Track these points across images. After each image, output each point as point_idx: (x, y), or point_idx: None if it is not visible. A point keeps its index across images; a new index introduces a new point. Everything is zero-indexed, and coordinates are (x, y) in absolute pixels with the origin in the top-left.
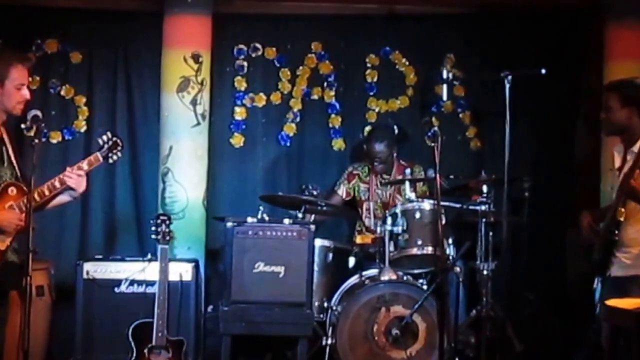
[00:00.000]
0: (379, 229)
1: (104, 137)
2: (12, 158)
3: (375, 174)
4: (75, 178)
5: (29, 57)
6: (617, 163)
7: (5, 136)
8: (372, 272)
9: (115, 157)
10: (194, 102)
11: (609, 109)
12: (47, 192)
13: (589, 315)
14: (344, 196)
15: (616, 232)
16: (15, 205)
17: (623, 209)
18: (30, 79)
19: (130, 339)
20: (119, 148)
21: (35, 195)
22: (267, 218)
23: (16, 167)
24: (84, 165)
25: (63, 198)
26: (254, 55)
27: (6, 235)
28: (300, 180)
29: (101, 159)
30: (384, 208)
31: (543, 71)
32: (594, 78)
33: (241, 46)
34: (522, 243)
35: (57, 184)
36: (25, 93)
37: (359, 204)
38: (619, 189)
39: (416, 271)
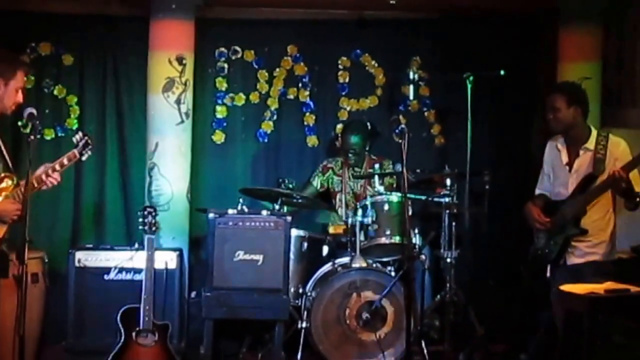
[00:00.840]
0: (350, 220)
1: (77, 136)
2: (4, 152)
3: (347, 166)
4: (57, 177)
5: (30, 66)
6: (564, 158)
7: None
8: (344, 260)
9: (87, 155)
10: (178, 102)
11: (556, 109)
12: (35, 184)
13: (544, 300)
14: (318, 187)
15: (578, 223)
16: (11, 195)
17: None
18: (24, 84)
19: (119, 323)
20: (90, 146)
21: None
22: (246, 210)
23: (8, 160)
24: (65, 161)
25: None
26: (233, 57)
27: (3, 225)
28: (277, 174)
29: (77, 155)
30: (355, 199)
31: (502, 72)
32: (548, 78)
33: (222, 49)
34: (483, 233)
35: (44, 177)
36: (20, 97)
37: (333, 195)
38: (600, 182)
39: (385, 259)
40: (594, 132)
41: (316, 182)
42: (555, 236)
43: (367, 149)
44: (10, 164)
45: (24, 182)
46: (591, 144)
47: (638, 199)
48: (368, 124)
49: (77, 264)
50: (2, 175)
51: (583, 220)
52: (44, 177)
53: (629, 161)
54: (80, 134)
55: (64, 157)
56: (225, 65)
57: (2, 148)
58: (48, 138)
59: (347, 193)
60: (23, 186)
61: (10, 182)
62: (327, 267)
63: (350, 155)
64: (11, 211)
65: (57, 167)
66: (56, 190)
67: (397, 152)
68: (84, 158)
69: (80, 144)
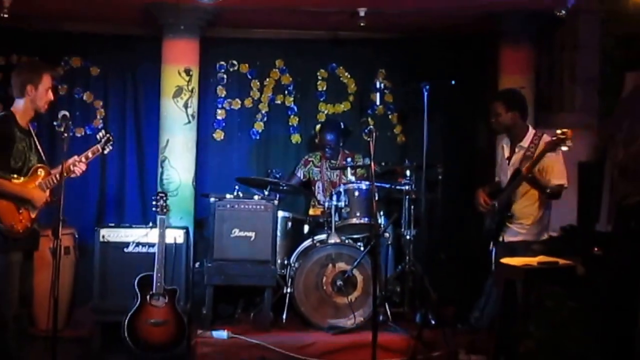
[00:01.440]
0: (326, 204)
1: (100, 134)
2: (38, 146)
3: (325, 159)
4: (82, 167)
5: (56, 69)
6: (506, 153)
7: (31, 130)
8: (322, 236)
9: (108, 149)
10: (185, 106)
11: (497, 114)
12: (65, 174)
13: (486, 270)
14: (301, 177)
15: (510, 208)
16: (43, 183)
17: (516, 191)
18: (53, 84)
19: (136, 287)
20: (111, 142)
21: (58, 176)
22: (241, 195)
23: (41, 153)
24: (89, 154)
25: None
26: (231, 69)
27: (35, 209)
28: (267, 166)
29: (100, 149)
30: (331, 186)
31: (452, 82)
32: (491, 87)
33: (222, 63)
34: (437, 214)
35: (72, 167)
36: (51, 95)
37: (312, 183)
38: (516, 176)
39: (355, 236)
40: (531, 132)
41: (300, 173)
42: (494, 218)
43: (341, 144)
44: (43, 157)
45: (54, 172)
46: (525, 142)
47: (548, 190)
48: (342, 124)
49: (101, 239)
50: (37, 166)
51: (515, 206)
52: (72, 167)
53: (532, 160)
54: (102, 132)
55: (89, 150)
56: (225, 76)
57: (38, 144)
58: (79, 135)
59: (324, 181)
60: (54, 175)
61: (43, 172)
62: (307, 242)
63: (327, 149)
64: (40, 198)
65: (83, 158)
66: (84, 179)
67: (366, 148)
68: (106, 152)
69: (103, 140)
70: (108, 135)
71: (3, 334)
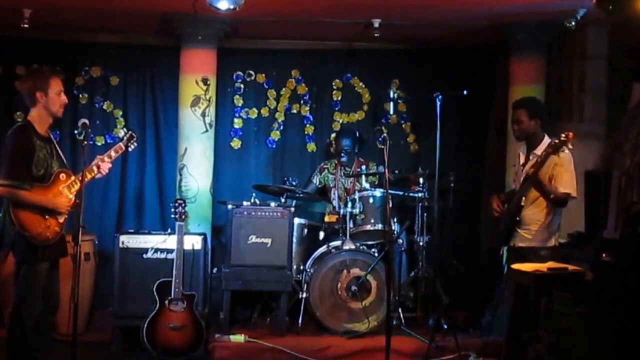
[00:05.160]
0: (341, 211)
1: (123, 132)
2: (60, 153)
3: (340, 166)
4: (107, 167)
5: (61, 71)
6: (522, 160)
7: (51, 136)
8: (337, 243)
9: (132, 147)
10: (203, 114)
11: (520, 122)
12: (88, 176)
13: (497, 276)
14: (317, 184)
15: (519, 213)
16: (66, 187)
17: (524, 197)
18: (63, 86)
19: (155, 293)
20: (135, 139)
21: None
22: (258, 202)
23: (63, 159)
24: (112, 153)
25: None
26: (248, 79)
27: (62, 214)
28: (283, 173)
29: (124, 147)
30: (346, 193)
31: (465, 92)
32: (501, 97)
33: (239, 72)
34: (448, 221)
35: (95, 170)
36: (64, 98)
37: (328, 190)
38: (526, 180)
39: (369, 242)
40: (546, 141)
41: (315, 180)
42: (504, 223)
43: (356, 151)
44: (65, 162)
45: (78, 176)
46: (539, 150)
47: (552, 196)
48: (357, 132)
49: (121, 245)
50: (58, 171)
51: (524, 212)
52: (95, 168)
53: (538, 162)
54: (125, 129)
55: (112, 149)
56: (242, 86)
57: (59, 150)
58: (99, 144)
59: (339, 189)
60: (77, 179)
61: (64, 177)
62: (323, 248)
63: (342, 155)
64: (63, 203)
65: (106, 158)
66: (104, 186)
67: (380, 156)
68: (130, 149)
69: (125, 137)
70: (131, 132)
71: (23, 340)
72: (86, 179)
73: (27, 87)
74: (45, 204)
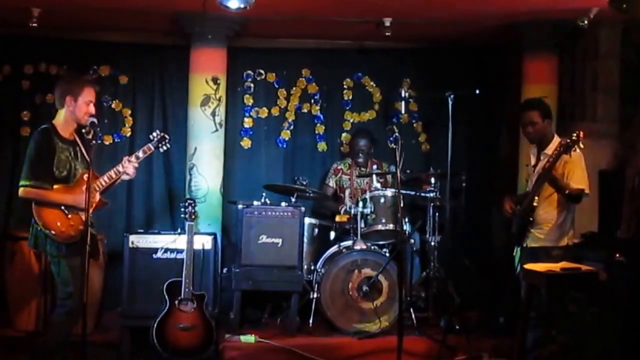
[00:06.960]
0: (352, 210)
1: (154, 134)
2: (85, 155)
3: (354, 166)
4: (132, 167)
5: (96, 82)
6: (532, 161)
7: (77, 139)
8: (348, 243)
9: (165, 147)
10: (213, 114)
11: (534, 123)
12: (113, 176)
13: (510, 276)
14: (334, 187)
15: (531, 214)
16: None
17: (537, 197)
18: (96, 98)
19: (165, 293)
20: (167, 140)
21: (106, 178)
22: (268, 202)
23: (88, 162)
24: (140, 154)
25: (123, 177)
26: (258, 78)
27: (84, 212)
28: (293, 173)
29: (153, 148)
30: (360, 193)
31: (477, 91)
32: (514, 97)
33: (249, 71)
34: (460, 221)
35: (120, 169)
36: (92, 108)
37: (342, 190)
38: (538, 180)
39: (381, 242)
40: (555, 140)
41: (332, 182)
42: (517, 224)
43: (372, 151)
44: (90, 163)
45: (102, 177)
46: (549, 150)
47: (567, 192)
48: (372, 132)
49: (130, 245)
50: (82, 171)
51: (536, 212)
52: (120, 168)
53: (553, 158)
54: (157, 131)
55: (140, 150)
56: (252, 85)
57: (84, 152)
58: (107, 143)
59: (353, 188)
60: (102, 179)
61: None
62: (334, 248)
63: (360, 155)
64: (83, 201)
65: (133, 158)
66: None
67: (392, 156)
68: (162, 150)
69: (156, 139)
70: (162, 134)
71: (69, 322)
72: (111, 181)
73: (61, 89)
74: (64, 201)
